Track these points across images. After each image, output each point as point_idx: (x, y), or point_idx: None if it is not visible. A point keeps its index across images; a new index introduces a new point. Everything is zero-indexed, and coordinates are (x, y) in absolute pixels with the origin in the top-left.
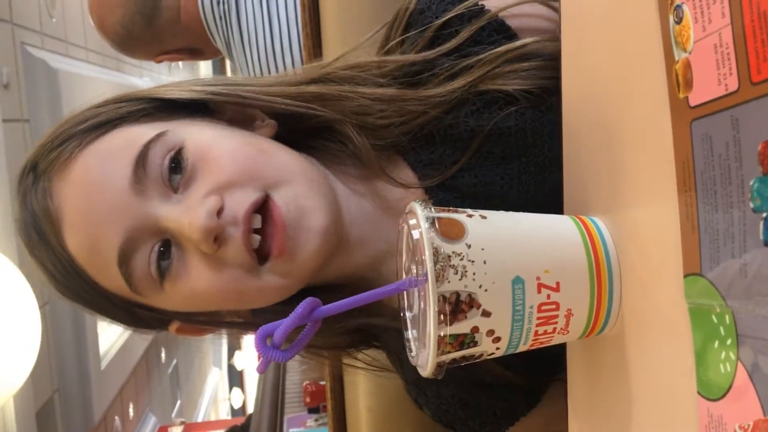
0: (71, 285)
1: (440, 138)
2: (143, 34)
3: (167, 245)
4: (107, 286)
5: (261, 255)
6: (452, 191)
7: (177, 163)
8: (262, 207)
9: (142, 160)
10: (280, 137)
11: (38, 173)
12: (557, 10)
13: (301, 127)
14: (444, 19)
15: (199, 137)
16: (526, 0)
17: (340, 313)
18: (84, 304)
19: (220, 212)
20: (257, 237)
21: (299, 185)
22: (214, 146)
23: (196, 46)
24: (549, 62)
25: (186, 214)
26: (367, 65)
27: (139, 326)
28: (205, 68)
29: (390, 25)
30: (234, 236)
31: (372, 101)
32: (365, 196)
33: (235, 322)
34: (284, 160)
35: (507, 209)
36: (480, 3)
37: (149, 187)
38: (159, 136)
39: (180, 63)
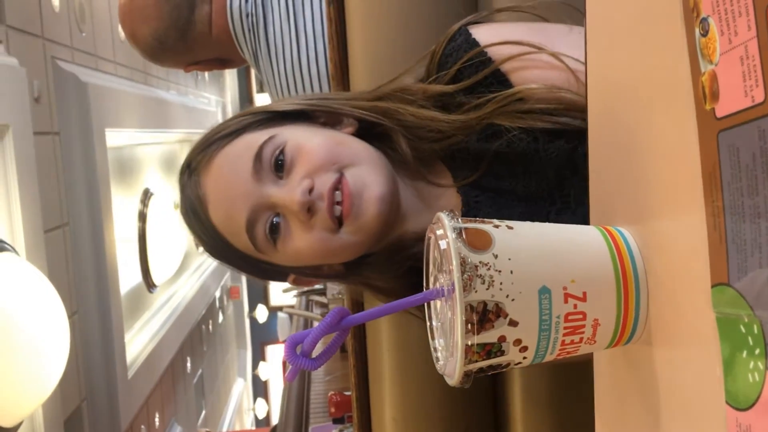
0: (218, 249)
1: (461, 155)
2: (175, 46)
3: (278, 216)
4: (241, 249)
5: (340, 222)
6: (477, 188)
7: (281, 157)
8: (340, 184)
9: (258, 157)
10: (359, 135)
11: (191, 170)
12: (565, 62)
13: (372, 131)
14: (459, 64)
15: (297, 137)
16: (528, 51)
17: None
18: (227, 262)
19: (311, 191)
20: (338, 207)
21: (365, 166)
22: (306, 143)
23: (225, 57)
24: (543, 106)
25: (288, 193)
26: (413, 90)
27: (266, 277)
28: (230, 80)
29: (429, 59)
30: (321, 207)
31: (417, 118)
32: (412, 188)
33: (332, 274)
34: (356, 147)
35: (515, 201)
36: (486, 52)
37: (264, 176)
38: (269, 138)
39: (206, 75)
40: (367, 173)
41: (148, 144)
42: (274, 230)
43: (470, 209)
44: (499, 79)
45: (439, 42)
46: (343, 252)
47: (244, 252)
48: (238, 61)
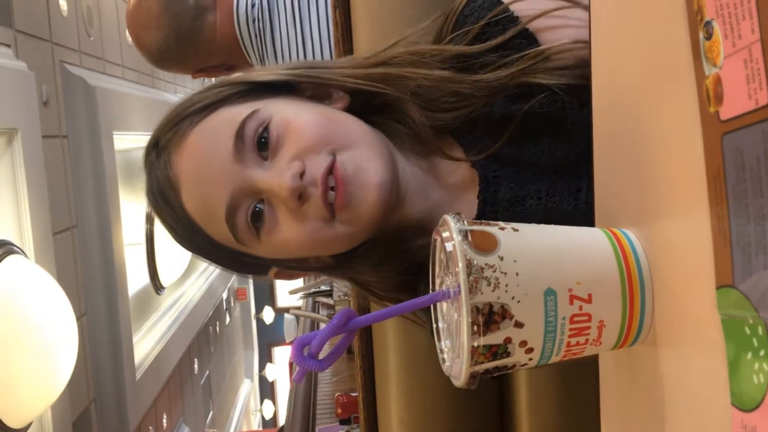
0: (190, 238)
1: (481, 122)
2: (178, 54)
3: (262, 203)
4: (218, 239)
5: (334, 209)
6: (495, 162)
7: (266, 135)
8: (333, 168)
9: (240, 134)
10: (352, 110)
11: (160, 148)
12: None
13: (370, 104)
14: (483, 22)
15: (284, 112)
16: (550, 9)
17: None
18: (200, 253)
19: (302, 175)
20: (332, 194)
21: (361, 148)
22: (294, 119)
23: (231, 62)
24: (578, 65)
25: (276, 177)
26: (427, 51)
27: (244, 271)
28: None
29: (442, 21)
30: (314, 194)
31: (429, 81)
32: (419, 167)
33: (319, 266)
34: (351, 127)
35: (539, 175)
36: (511, 9)
37: (246, 156)
38: (252, 113)
39: (213, 78)
40: (365, 156)
41: None
42: (257, 218)
43: (489, 185)
44: (528, 40)
45: (455, 4)
46: (336, 243)
47: (221, 243)
48: (244, 67)
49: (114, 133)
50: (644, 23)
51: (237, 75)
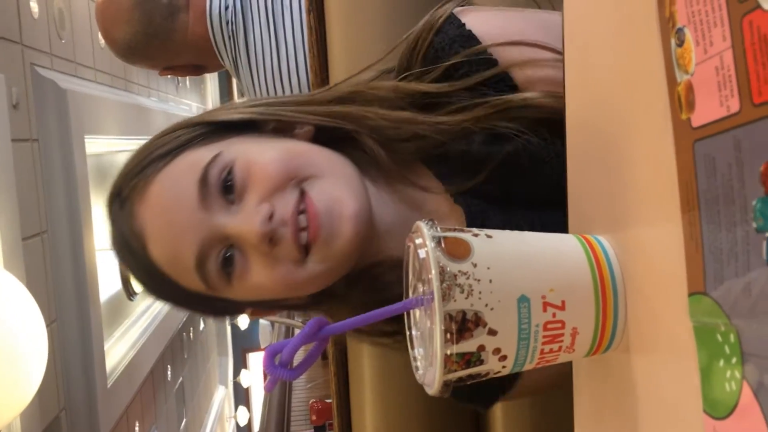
0: (161, 289)
1: (456, 158)
2: (146, 50)
3: (231, 249)
4: (189, 287)
5: (306, 248)
6: (477, 196)
7: (230, 178)
8: (303, 203)
9: (204, 180)
10: (317, 140)
11: (122, 198)
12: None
13: (333, 135)
14: (458, 59)
15: (247, 153)
16: (534, 60)
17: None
18: (173, 302)
19: (271, 217)
20: (304, 234)
21: (330, 178)
22: (257, 159)
23: (200, 63)
24: (550, 114)
25: (245, 222)
26: (386, 89)
27: (219, 315)
28: (211, 86)
29: (409, 49)
30: (285, 236)
31: (388, 122)
32: (390, 195)
33: (295, 304)
34: (316, 157)
35: (527, 209)
36: (489, 51)
37: (213, 202)
38: (215, 158)
39: (187, 81)
40: (333, 186)
41: (129, 151)
42: (227, 264)
43: (475, 220)
44: (502, 77)
45: (420, 30)
46: (311, 284)
47: (194, 291)
48: (213, 68)
49: (86, 136)
50: (617, 29)
51: (196, 116)
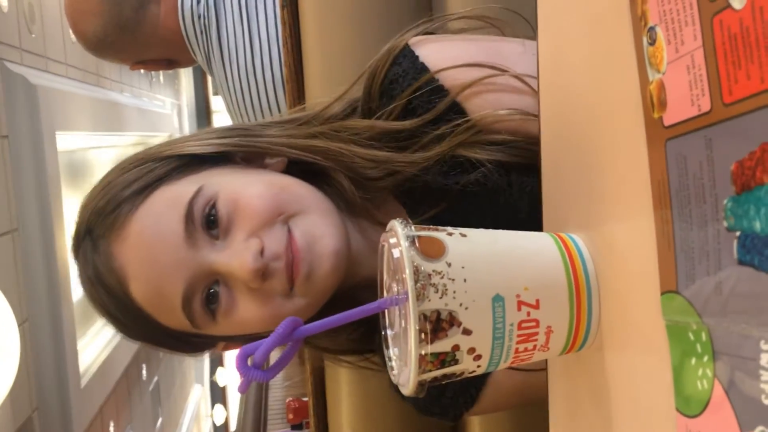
0: (138, 329)
1: (419, 190)
2: (116, 43)
3: (216, 285)
4: (171, 326)
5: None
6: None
7: (214, 213)
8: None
9: (189, 217)
10: (289, 171)
11: (95, 238)
12: (527, 81)
13: (305, 168)
14: (408, 92)
15: (229, 187)
16: (486, 76)
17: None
18: (149, 342)
19: (262, 252)
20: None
21: (312, 214)
22: (243, 194)
23: (172, 57)
24: (510, 139)
25: (235, 258)
26: (363, 127)
27: (192, 351)
28: (186, 82)
29: (369, 81)
30: (278, 270)
31: (365, 160)
32: (357, 225)
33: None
34: (299, 192)
35: None
36: (437, 78)
37: (198, 238)
38: (198, 192)
39: (161, 76)
40: (316, 223)
41: (102, 147)
42: (212, 301)
43: None
44: (455, 109)
45: (378, 60)
46: (298, 316)
47: (174, 329)
48: (185, 63)
49: (57, 132)
50: (590, 28)
51: (168, 148)
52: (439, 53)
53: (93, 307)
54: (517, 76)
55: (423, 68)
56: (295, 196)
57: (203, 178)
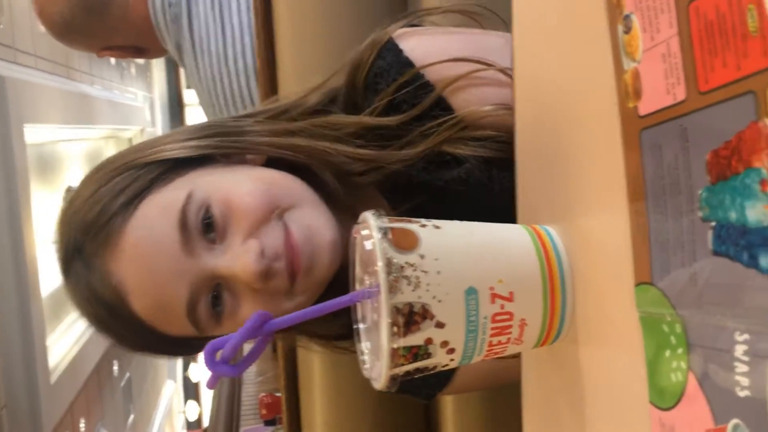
0: (143, 342)
1: (402, 184)
2: (84, 27)
3: (218, 289)
4: (176, 334)
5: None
6: (423, 216)
7: (209, 217)
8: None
9: (184, 224)
10: (270, 163)
11: (87, 255)
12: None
13: (286, 162)
14: (393, 87)
15: (220, 188)
16: (470, 72)
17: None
18: (155, 352)
19: (262, 252)
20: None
21: (306, 207)
22: (234, 194)
23: (141, 45)
24: (496, 134)
25: (236, 261)
26: (345, 124)
27: (194, 352)
28: (158, 74)
29: (352, 75)
30: (280, 269)
31: (350, 159)
32: (342, 219)
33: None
34: (290, 185)
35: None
36: (422, 73)
37: (195, 244)
38: (189, 198)
39: (132, 69)
40: (311, 215)
41: (72, 140)
42: (216, 304)
43: None
44: (441, 105)
45: (362, 52)
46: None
47: (178, 336)
48: (154, 52)
49: (25, 125)
50: (566, 17)
51: (150, 154)
52: (424, 47)
53: (92, 326)
54: (501, 70)
55: (407, 63)
56: (285, 189)
57: (190, 182)
